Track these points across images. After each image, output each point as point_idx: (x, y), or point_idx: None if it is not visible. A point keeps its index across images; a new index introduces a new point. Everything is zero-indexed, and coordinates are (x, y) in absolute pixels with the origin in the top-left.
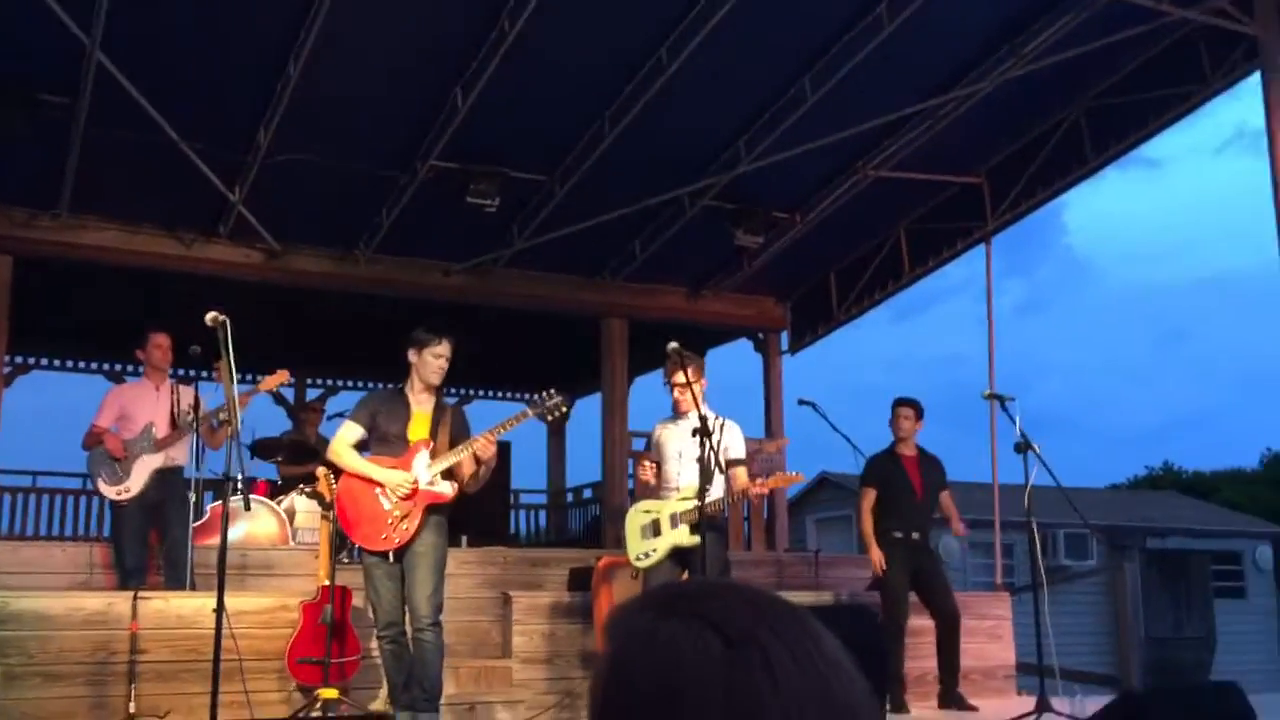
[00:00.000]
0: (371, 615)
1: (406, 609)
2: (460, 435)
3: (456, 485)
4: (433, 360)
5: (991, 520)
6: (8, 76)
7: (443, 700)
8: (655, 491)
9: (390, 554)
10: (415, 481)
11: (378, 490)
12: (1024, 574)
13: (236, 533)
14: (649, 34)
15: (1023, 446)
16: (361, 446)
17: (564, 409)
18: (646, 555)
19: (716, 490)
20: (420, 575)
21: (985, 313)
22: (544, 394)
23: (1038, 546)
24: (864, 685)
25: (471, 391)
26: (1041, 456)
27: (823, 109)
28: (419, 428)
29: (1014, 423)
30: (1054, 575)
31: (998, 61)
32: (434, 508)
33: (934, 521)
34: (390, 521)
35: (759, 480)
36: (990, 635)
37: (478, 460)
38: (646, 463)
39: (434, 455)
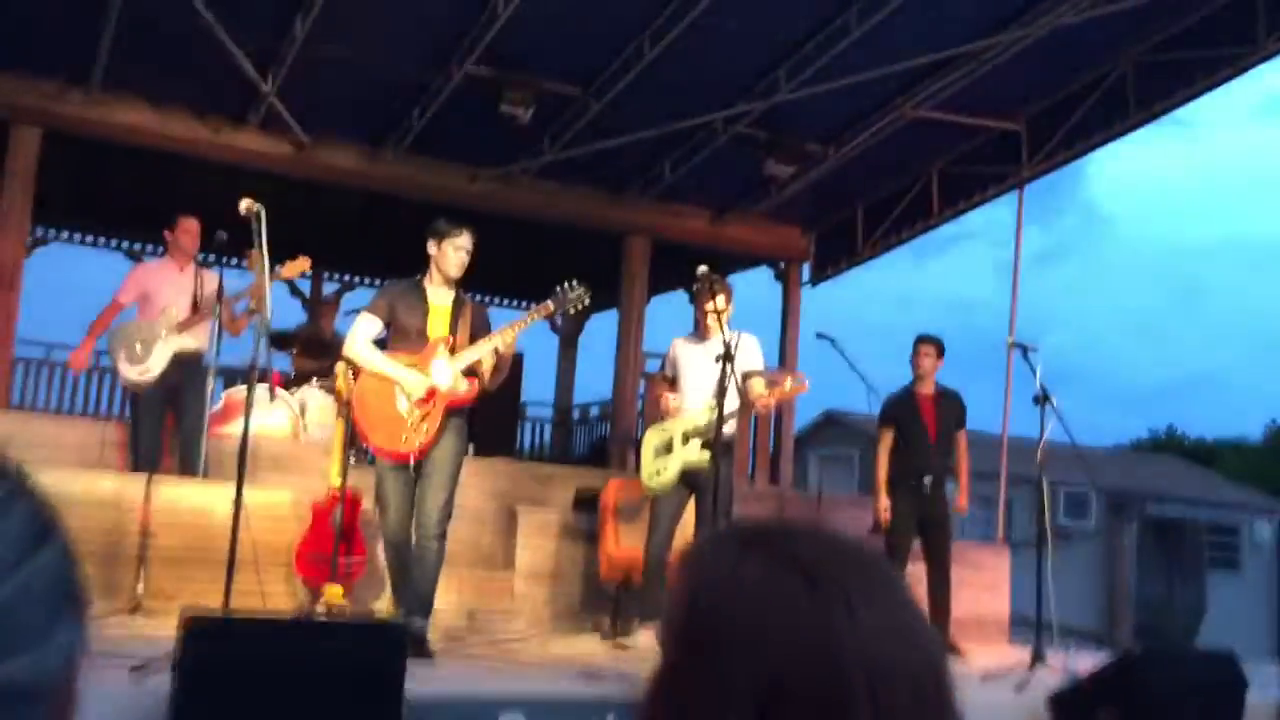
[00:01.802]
0: (379, 521)
1: (414, 514)
2: (480, 331)
3: (477, 384)
4: (453, 252)
5: (994, 473)
6: None
7: (440, 606)
8: (670, 414)
9: (411, 460)
10: (433, 385)
11: (396, 390)
12: (1022, 529)
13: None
14: None
15: (1042, 399)
16: (380, 343)
17: (585, 301)
18: (658, 473)
19: (731, 409)
20: (435, 483)
21: (1000, 258)
22: (566, 285)
23: (1046, 504)
24: (931, 628)
25: (488, 299)
26: (1059, 411)
27: (866, 43)
28: (438, 322)
29: (1034, 374)
30: (1054, 534)
31: (1048, 7)
32: (454, 410)
33: (948, 466)
34: (411, 424)
35: (767, 395)
36: (987, 586)
37: (498, 358)
38: (669, 395)
39: (454, 351)
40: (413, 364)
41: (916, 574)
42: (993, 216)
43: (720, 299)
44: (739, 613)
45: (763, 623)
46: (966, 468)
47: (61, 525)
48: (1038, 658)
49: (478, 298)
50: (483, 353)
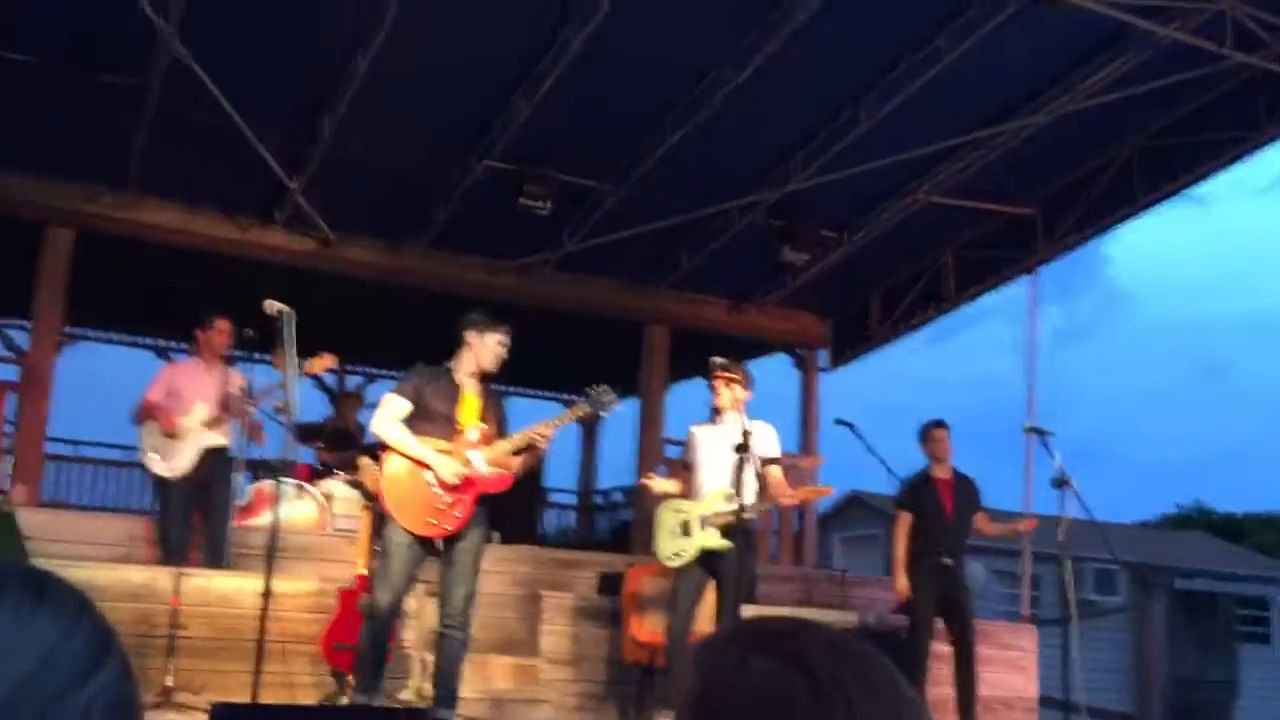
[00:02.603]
0: (374, 589)
1: (439, 602)
2: (501, 423)
3: (509, 475)
4: (496, 346)
5: (1017, 549)
6: (79, 54)
7: (466, 694)
8: (686, 493)
9: (438, 542)
10: (470, 474)
11: (427, 473)
12: (1050, 606)
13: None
14: (712, 51)
15: (1060, 483)
16: (405, 423)
17: (617, 405)
18: (677, 555)
19: (749, 497)
20: (462, 573)
21: (1021, 338)
22: (597, 389)
23: (1071, 582)
24: None
25: (509, 388)
26: (1080, 494)
27: (878, 132)
28: (469, 411)
29: (1053, 458)
30: (1081, 610)
31: (1055, 95)
32: (481, 498)
33: (967, 547)
34: (441, 508)
35: (788, 492)
36: (1014, 666)
37: (534, 453)
38: (654, 478)
39: (488, 442)
40: (445, 450)
41: (943, 653)
42: (1010, 295)
43: (736, 382)
44: (745, 709)
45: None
46: (997, 531)
47: (119, 645)
48: None
49: (500, 387)
50: (518, 446)
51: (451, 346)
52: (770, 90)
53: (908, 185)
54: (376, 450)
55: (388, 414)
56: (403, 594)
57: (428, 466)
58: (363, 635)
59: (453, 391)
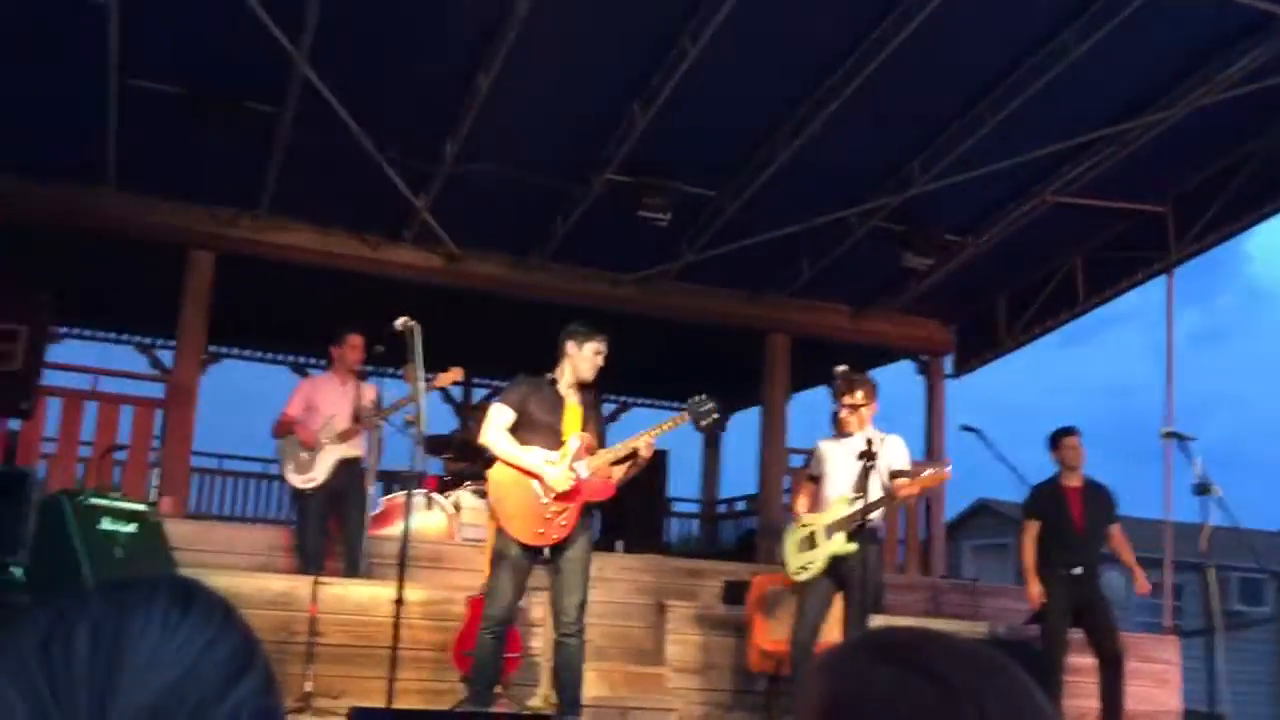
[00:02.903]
0: (486, 603)
1: (552, 612)
2: (601, 431)
3: (611, 484)
4: (593, 356)
5: (1158, 559)
6: (219, 85)
7: (594, 703)
8: (813, 507)
9: (545, 550)
10: (578, 483)
11: (534, 482)
12: (1193, 617)
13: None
14: (829, 55)
15: (1203, 489)
16: (510, 433)
17: (715, 416)
18: (804, 568)
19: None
20: (573, 581)
21: (1156, 341)
22: (698, 398)
23: (1215, 592)
24: None
25: (631, 400)
26: (1223, 500)
27: (1003, 132)
28: (573, 421)
29: (1193, 464)
30: (1226, 621)
31: (1190, 88)
32: (587, 507)
33: (1102, 556)
34: (548, 517)
35: (907, 483)
36: (1157, 680)
37: (637, 461)
38: (801, 498)
39: (590, 452)
40: (551, 461)
41: (1077, 665)
42: (1145, 298)
43: (859, 394)
44: (874, 718)
45: None
46: (1130, 555)
47: (263, 654)
48: None
49: (620, 397)
50: (620, 454)
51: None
52: (890, 93)
53: (1033, 186)
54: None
55: (494, 424)
56: (515, 604)
57: (535, 476)
58: (478, 645)
59: (556, 401)
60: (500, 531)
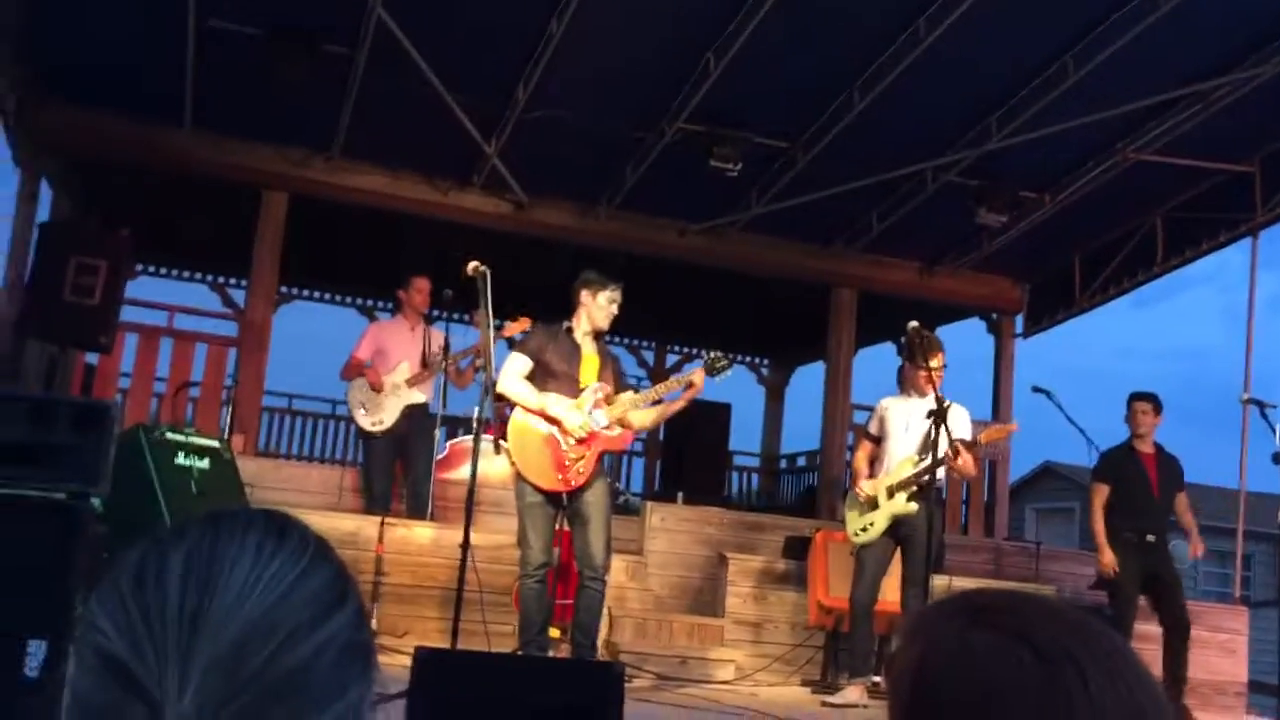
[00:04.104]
0: (520, 552)
1: (576, 557)
2: (618, 380)
3: (629, 433)
4: (607, 304)
5: (1229, 529)
6: (297, 27)
7: (652, 650)
8: (873, 468)
9: (563, 496)
10: (595, 430)
11: (553, 428)
12: (1265, 587)
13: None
14: (909, 6)
15: None
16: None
17: (728, 372)
18: (864, 530)
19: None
20: (596, 525)
21: (1231, 305)
22: (712, 354)
23: None
24: (1167, 701)
25: (693, 350)
26: None
27: (1084, 87)
28: (589, 370)
29: (1274, 431)
30: None
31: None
32: (604, 455)
33: (1170, 525)
34: (567, 463)
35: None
36: (1223, 649)
37: (661, 413)
38: (863, 462)
39: (608, 401)
40: (571, 407)
41: (1143, 632)
42: (1221, 260)
43: (942, 356)
44: (969, 683)
45: (993, 694)
46: (1193, 520)
47: (355, 589)
48: None
49: (684, 348)
50: (639, 403)
51: (639, 308)
52: (968, 46)
53: (1115, 143)
54: None
55: (511, 372)
56: (548, 548)
57: (554, 421)
58: (521, 598)
59: (573, 350)
60: (519, 477)
